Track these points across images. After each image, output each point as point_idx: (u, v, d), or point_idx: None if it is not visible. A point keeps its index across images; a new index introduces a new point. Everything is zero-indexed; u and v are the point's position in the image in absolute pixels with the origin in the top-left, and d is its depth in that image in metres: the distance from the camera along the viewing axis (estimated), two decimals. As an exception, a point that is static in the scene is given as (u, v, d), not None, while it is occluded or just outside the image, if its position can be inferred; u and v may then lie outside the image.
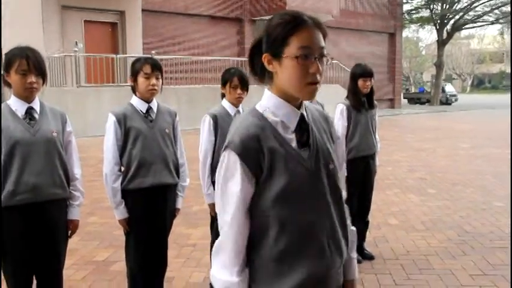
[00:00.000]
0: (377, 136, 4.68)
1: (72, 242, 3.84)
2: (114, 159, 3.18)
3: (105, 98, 14.25)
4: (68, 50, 15.40)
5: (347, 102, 4.52)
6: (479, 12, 32.52)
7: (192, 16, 20.51)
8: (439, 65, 33.35)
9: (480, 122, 20.63)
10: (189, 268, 4.43)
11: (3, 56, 2.67)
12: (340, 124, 4.47)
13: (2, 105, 2.76)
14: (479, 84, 70.37)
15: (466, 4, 32.00)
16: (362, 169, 4.56)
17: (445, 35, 32.96)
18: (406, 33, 47.46)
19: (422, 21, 34.40)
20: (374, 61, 25.57)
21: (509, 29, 35.14)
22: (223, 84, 3.68)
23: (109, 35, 17.95)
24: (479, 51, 65.99)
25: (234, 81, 3.61)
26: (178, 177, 3.38)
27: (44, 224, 2.79)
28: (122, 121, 3.17)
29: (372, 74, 4.47)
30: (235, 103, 3.69)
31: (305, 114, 1.63)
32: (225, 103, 3.71)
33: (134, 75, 3.19)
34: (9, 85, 2.75)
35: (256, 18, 21.89)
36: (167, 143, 3.28)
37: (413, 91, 46.89)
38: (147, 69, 3.14)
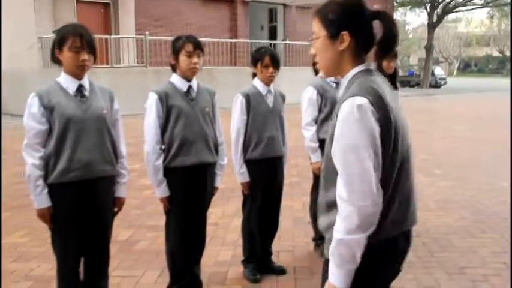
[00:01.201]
0: None
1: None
2: (156, 137, 3.15)
3: (99, 80, 13.99)
4: (60, 30, 15.14)
5: None
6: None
7: (185, -3, 20.27)
8: (429, 48, 33.43)
9: (470, 105, 20.84)
10: (216, 247, 4.45)
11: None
12: None
13: (52, 83, 2.75)
14: (466, 67, 70.95)
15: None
16: None
17: (435, 18, 33.04)
18: (394, 16, 47.47)
19: (413, 4, 34.44)
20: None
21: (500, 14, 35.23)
22: (254, 64, 3.68)
23: (101, 15, 17.71)
24: (466, 34, 66.32)
25: (266, 60, 3.62)
26: (217, 155, 3.37)
27: (94, 201, 2.79)
28: (164, 99, 3.15)
29: (396, 54, 4.46)
30: (267, 82, 3.69)
31: None
32: (257, 82, 3.71)
33: (176, 53, 3.16)
34: (58, 62, 2.72)
35: (249, 0, 21.71)
36: (207, 121, 3.28)
37: (401, 74, 47.07)
38: (189, 47, 3.11)
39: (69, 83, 2.73)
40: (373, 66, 1.78)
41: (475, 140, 10.88)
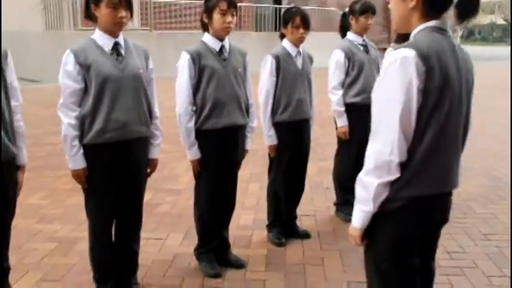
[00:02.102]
0: None
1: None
2: (188, 98, 3.09)
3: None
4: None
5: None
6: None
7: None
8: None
9: (477, 74, 20.61)
10: (236, 211, 4.42)
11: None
12: None
13: (86, 39, 2.67)
14: (469, 35, 70.19)
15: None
16: None
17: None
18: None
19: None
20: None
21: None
22: (285, 24, 3.59)
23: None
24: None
25: (296, 21, 3.54)
26: (248, 117, 3.32)
27: (130, 162, 2.76)
28: (196, 59, 3.07)
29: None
30: (297, 43, 3.62)
31: None
32: (286, 43, 3.64)
33: (209, 11, 3.07)
34: (93, 19, 2.65)
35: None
36: (239, 82, 3.21)
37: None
38: (223, 5, 3.02)
39: (105, 41, 2.66)
40: (446, 25, 1.74)
41: (482, 108, 10.80)
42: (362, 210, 1.74)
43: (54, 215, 4.35)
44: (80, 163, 2.65)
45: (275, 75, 3.56)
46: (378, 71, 4.22)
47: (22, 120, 2.54)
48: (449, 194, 1.87)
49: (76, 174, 2.68)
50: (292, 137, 3.67)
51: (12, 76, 2.42)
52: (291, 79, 3.58)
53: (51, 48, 13.11)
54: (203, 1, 3.13)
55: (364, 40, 4.17)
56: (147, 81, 2.80)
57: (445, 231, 3.97)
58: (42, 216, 4.33)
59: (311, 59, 3.81)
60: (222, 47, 3.15)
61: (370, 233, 1.79)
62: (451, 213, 4.31)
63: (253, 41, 16.83)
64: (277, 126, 3.61)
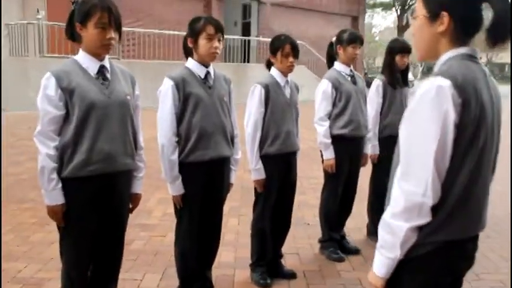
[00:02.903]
0: None
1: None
2: (172, 127, 2.88)
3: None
4: (29, 17, 14.53)
5: (383, 78, 4.35)
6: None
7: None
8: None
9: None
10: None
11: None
12: (375, 100, 4.31)
13: (68, 61, 2.43)
14: (429, 70, 72.33)
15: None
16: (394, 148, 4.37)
17: (404, 21, 33.50)
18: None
19: (384, 6, 34.82)
20: (338, 44, 25.62)
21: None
22: (273, 52, 3.44)
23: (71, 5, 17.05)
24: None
25: (286, 49, 3.40)
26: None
27: (113, 197, 2.51)
28: (181, 86, 2.88)
29: (410, 49, 4.32)
30: (286, 72, 3.48)
31: None
32: (275, 72, 3.49)
33: (195, 35, 2.90)
34: (75, 39, 2.42)
35: (224, -5, 21.42)
36: (225, 111, 3.03)
37: (369, 76, 47.57)
38: (211, 29, 2.86)
39: (90, 63, 2.42)
40: (477, 52, 1.59)
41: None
42: (387, 257, 1.55)
43: (18, 253, 4.01)
44: (58, 198, 2.37)
45: (264, 105, 3.39)
46: (365, 102, 4.12)
47: None
48: (478, 235, 1.70)
49: (52, 211, 2.40)
50: (281, 170, 3.48)
51: None
52: (280, 110, 3.42)
53: (15, 75, 12.70)
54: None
55: (351, 70, 4.06)
56: (133, 108, 2.58)
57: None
58: (4, 253, 3.98)
59: (297, 89, 3.66)
60: (207, 74, 2.98)
61: (393, 282, 1.59)
62: None
63: (223, 72, 16.72)
64: (265, 159, 3.42)
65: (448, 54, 1.59)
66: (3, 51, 14.31)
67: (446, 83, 1.47)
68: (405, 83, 4.42)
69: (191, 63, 2.99)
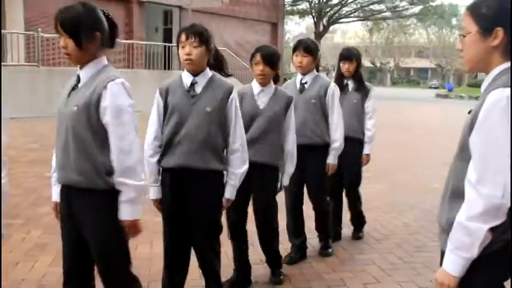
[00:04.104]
0: (367, 122, 4.61)
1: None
2: (154, 133, 2.98)
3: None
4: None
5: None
6: (351, 9, 34.83)
7: (76, -7, 19.08)
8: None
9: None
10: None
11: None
12: None
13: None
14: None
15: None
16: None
17: (321, 27, 34.66)
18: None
19: (301, 13, 35.80)
20: (258, 50, 25.99)
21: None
22: (250, 61, 3.50)
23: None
24: (343, 45, 70.35)
25: (256, 57, 3.45)
26: (224, 162, 3.01)
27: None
28: (164, 94, 2.98)
29: (349, 57, 4.53)
30: (258, 81, 3.52)
31: None
32: (253, 81, 3.56)
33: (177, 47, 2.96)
34: None
35: (146, 0, 21.05)
36: (210, 122, 2.91)
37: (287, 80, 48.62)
38: (182, 37, 2.87)
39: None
40: None
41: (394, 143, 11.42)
42: (463, 257, 1.67)
43: None
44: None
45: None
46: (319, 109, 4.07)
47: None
48: None
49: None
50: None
51: None
52: (247, 119, 3.39)
53: None
54: None
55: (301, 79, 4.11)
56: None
57: (409, 267, 4.06)
58: None
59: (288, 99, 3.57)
60: (194, 83, 2.95)
61: (465, 278, 1.70)
62: (405, 248, 4.44)
63: (145, 79, 16.50)
64: None
65: (502, 66, 1.72)
66: None
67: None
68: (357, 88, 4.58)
69: (184, 72, 2.99)
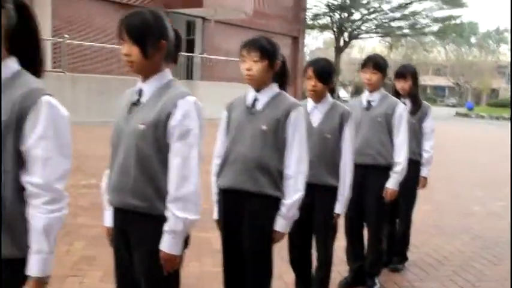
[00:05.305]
0: (425, 144, 4.39)
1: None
2: (218, 149, 2.88)
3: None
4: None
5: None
6: (373, 25, 34.75)
7: (103, 2, 19.17)
8: (334, 71, 34.93)
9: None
10: None
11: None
12: None
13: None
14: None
15: (363, 14, 34.07)
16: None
17: (341, 42, 34.55)
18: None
19: (322, 28, 35.72)
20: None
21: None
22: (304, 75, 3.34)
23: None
24: (360, 60, 70.16)
25: (308, 72, 3.25)
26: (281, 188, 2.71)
27: None
28: (228, 109, 2.88)
29: (404, 75, 4.32)
30: (310, 96, 3.33)
31: None
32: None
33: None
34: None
35: (169, 10, 21.07)
36: (264, 142, 2.69)
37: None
38: (243, 51, 2.70)
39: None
40: None
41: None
42: None
43: None
44: None
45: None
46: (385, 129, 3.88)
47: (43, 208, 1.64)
48: None
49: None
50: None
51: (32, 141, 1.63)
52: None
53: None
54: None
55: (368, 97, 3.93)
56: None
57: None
58: None
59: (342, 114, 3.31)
60: (255, 99, 2.76)
61: None
62: (465, 276, 4.15)
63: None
64: None
65: None
66: None
67: None
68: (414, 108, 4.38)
69: (250, 88, 2.82)
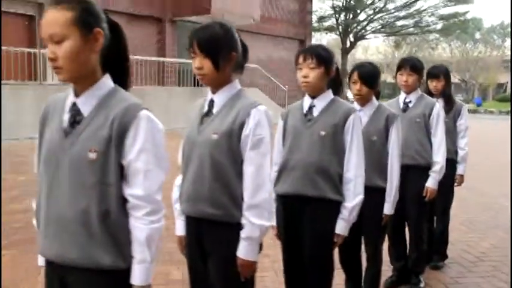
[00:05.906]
0: (460, 142, 4.46)
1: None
2: (275, 157, 2.91)
3: (26, 97, 12.83)
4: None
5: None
6: (378, 25, 34.80)
7: (110, 13, 19.22)
8: (342, 73, 34.90)
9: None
10: None
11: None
12: None
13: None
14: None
15: (368, 15, 34.13)
16: None
17: (348, 43, 34.58)
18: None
19: (328, 30, 35.76)
20: (285, 66, 25.81)
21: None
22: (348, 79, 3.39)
23: (25, 28, 16.35)
24: (365, 60, 69.96)
25: (353, 76, 3.30)
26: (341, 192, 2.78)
27: None
28: (284, 117, 2.96)
29: (436, 75, 4.38)
30: (355, 100, 3.39)
31: None
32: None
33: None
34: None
35: (178, 19, 21.21)
36: (323, 147, 2.75)
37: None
38: (300, 59, 2.77)
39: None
40: None
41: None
42: None
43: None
44: None
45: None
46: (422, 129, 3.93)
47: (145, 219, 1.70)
48: None
49: None
50: None
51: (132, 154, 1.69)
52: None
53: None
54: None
55: (404, 98, 4.02)
56: None
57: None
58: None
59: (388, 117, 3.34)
60: (312, 106, 2.84)
61: None
62: None
63: (178, 97, 16.55)
64: None
65: None
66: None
67: None
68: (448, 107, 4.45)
69: (306, 95, 2.91)
